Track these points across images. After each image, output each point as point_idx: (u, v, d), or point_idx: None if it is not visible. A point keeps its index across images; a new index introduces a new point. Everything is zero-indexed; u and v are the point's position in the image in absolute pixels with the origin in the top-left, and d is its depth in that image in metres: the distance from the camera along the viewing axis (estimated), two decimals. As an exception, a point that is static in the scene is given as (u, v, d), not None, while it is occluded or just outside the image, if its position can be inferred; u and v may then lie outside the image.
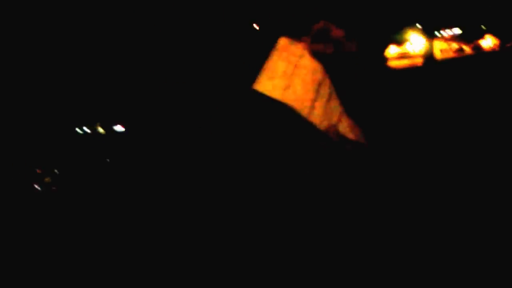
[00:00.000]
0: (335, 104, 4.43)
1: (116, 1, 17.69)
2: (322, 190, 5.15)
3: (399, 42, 29.99)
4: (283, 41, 4.39)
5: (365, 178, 5.33)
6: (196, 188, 9.34)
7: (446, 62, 28.84)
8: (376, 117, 5.62)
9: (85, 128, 17.87)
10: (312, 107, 4.18)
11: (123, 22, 17.79)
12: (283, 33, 4.56)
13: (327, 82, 4.43)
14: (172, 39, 16.09)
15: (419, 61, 28.12)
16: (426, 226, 5.67)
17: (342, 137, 4.68)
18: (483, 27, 27.26)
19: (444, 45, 33.34)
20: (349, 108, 5.12)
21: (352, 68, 4.87)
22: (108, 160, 13.90)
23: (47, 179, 13.47)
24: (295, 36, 4.55)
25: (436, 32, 29.78)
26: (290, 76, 4.24)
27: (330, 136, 4.57)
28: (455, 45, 33.42)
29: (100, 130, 17.58)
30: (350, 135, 4.61)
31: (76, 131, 18.01)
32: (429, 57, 25.80)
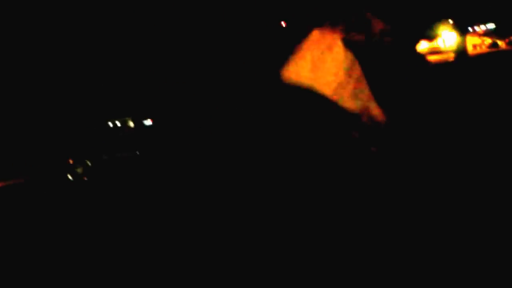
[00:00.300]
0: (365, 89, 4.56)
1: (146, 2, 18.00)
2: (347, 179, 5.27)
3: (431, 38, 29.65)
4: (315, 31, 4.54)
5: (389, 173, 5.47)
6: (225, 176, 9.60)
7: (479, 57, 28.36)
8: (406, 109, 5.67)
9: (116, 122, 18.25)
10: (341, 91, 4.33)
11: (154, 23, 18.08)
12: (315, 22, 4.68)
13: (357, 68, 4.54)
14: (203, 37, 16.28)
15: (451, 56, 27.74)
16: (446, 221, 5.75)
17: (373, 121, 4.82)
18: (518, 21, 26.79)
19: (477, 40, 32.80)
20: (379, 96, 5.15)
21: (386, 59, 4.96)
22: (137, 152, 14.15)
23: (79, 170, 13.72)
24: (329, 24, 4.64)
25: (469, 27, 29.35)
26: (318, 62, 4.38)
27: (362, 120, 4.68)
28: (488, 40, 32.85)
29: (131, 124, 17.94)
30: (380, 119, 4.75)
31: (108, 125, 18.43)
32: (461, 52, 25.45)
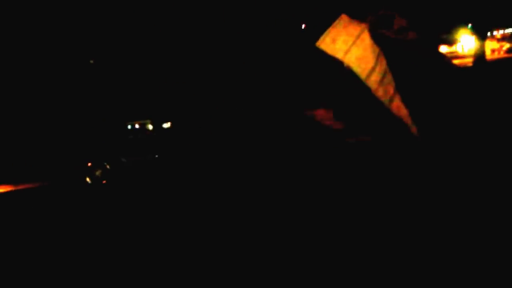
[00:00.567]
0: (390, 81, 4.56)
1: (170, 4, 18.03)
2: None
3: (450, 43, 29.55)
4: (345, 17, 4.53)
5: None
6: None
7: (497, 62, 28.22)
8: (424, 111, 5.64)
9: (135, 125, 18.27)
10: (370, 73, 4.33)
11: (175, 28, 18.10)
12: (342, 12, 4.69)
13: (384, 60, 4.54)
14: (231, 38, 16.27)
15: (469, 61, 27.62)
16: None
17: (398, 114, 4.78)
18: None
19: (496, 45, 32.66)
20: (402, 91, 5.20)
21: (409, 56, 4.93)
22: (156, 156, 14.13)
23: (97, 173, 13.72)
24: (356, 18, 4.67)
25: (487, 32, 29.20)
26: (350, 44, 4.41)
27: (390, 110, 4.65)
28: (507, 45, 32.70)
29: (150, 126, 17.95)
30: (403, 114, 4.72)
31: (127, 127, 18.42)
32: (479, 57, 25.31)
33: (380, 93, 4.36)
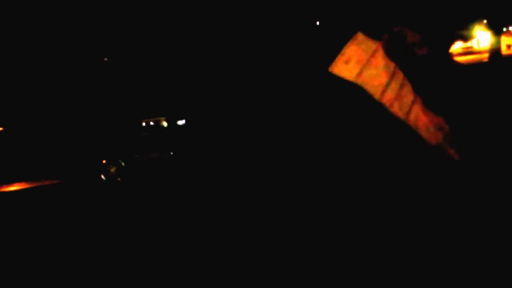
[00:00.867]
0: (407, 92, 4.65)
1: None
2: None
3: (465, 38, 29.28)
4: (360, 35, 4.64)
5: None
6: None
7: (513, 57, 27.97)
8: (444, 114, 5.68)
9: (150, 122, 18.36)
10: (384, 91, 4.42)
11: (190, 25, 18.11)
12: (358, 30, 4.77)
13: (400, 74, 4.65)
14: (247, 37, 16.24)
15: (485, 57, 27.38)
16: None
17: (417, 125, 4.88)
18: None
19: (511, 41, 32.36)
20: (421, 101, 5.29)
21: (422, 70, 5.07)
22: (171, 153, 14.16)
23: (112, 170, 13.79)
24: (371, 35, 4.76)
25: (503, 28, 28.90)
26: (364, 63, 4.49)
27: (408, 123, 4.74)
28: (523, 41, 32.40)
29: (164, 123, 18.02)
30: (422, 121, 4.82)
31: (141, 124, 18.52)
32: (495, 52, 25.08)
33: (395, 108, 4.39)
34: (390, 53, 4.44)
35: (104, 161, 14.08)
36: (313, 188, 8.20)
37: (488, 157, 6.69)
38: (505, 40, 29.01)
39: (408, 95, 4.72)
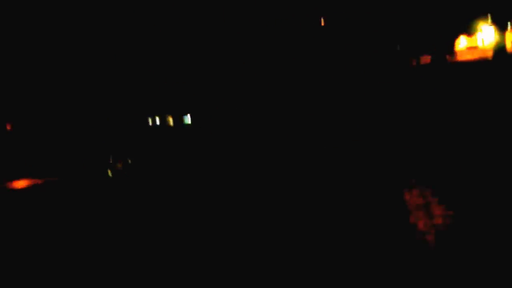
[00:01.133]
0: None
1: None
2: None
3: (469, 34, 29.23)
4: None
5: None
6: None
7: (518, 54, 27.77)
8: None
9: (156, 119, 18.49)
10: None
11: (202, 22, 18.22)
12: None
13: None
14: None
15: (489, 54, 27.30)
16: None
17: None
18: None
19: (517, 37, 32.19)
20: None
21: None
22: (176, 150, 14.33)
23: (119, 166, 13.95)
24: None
25: (508, 24, 28.82)
26: None
27: None
28: (528, 37, 32.19)
29: (170, 120, 18.14)
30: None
31: (148, 122, 18.67)
32: (500, 49, 25.02)
33: None
34: None
35: (110, 158, 14.25)
36: (312, 188, 8.33)
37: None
38: (510, 37, 28.92)
39: None
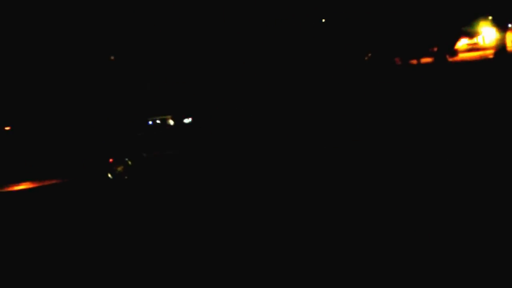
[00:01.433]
0: None
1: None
2: None
3: (471, 35, 29.17)
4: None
5: None
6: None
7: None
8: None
9: (157, 120, 18.36)
10: None
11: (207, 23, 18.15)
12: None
13: None
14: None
15: (490, 53, 27.30)
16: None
17: None
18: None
19: (517, 37, 32.23)
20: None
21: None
22: (178, 151, 14.21)
23: (119, 168, 13.82)
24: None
25: (508, 24, 28.78)
26: None
27: None
28: (529, 37, 32.22)
29: (171, 122, 18.00)
30: None
31: (148, 123, 18.53)
32: (500, 49, 25.01)
33: None
34: None
35: (111, 160, 14.12)
36: (312, 187, 8.26)
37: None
38: (510, 37, 28.93)
39: None
